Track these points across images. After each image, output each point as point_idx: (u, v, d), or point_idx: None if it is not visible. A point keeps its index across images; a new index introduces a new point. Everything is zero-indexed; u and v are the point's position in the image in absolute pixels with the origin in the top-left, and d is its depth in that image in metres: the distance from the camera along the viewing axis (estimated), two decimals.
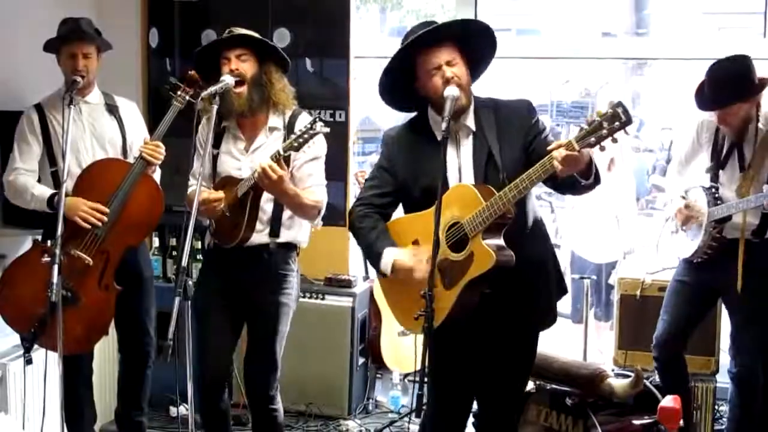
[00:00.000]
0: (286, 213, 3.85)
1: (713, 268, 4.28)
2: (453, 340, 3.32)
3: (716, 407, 4.93)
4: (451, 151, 3.31)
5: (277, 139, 3.81)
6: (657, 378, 4.48)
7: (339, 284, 5.40)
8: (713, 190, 4.26)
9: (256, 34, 3.87)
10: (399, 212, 3.57)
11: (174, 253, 5.43)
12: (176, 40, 5.78)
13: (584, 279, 5.39)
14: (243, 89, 3.75)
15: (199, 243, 4.86)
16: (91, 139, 4.22)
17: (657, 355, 4.49)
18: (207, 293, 3.81)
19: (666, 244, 4.60)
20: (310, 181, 3.83)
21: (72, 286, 3.95)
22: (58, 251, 3.58)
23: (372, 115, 8.90)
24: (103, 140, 4.24)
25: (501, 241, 3.13)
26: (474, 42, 3.35)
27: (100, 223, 3.96)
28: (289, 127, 3.80)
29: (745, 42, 5.67)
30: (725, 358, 4.67)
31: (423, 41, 3.28)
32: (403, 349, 5.43)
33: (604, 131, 2.82)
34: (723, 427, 4.80)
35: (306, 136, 3.49)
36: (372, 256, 3.41)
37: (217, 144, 3.88)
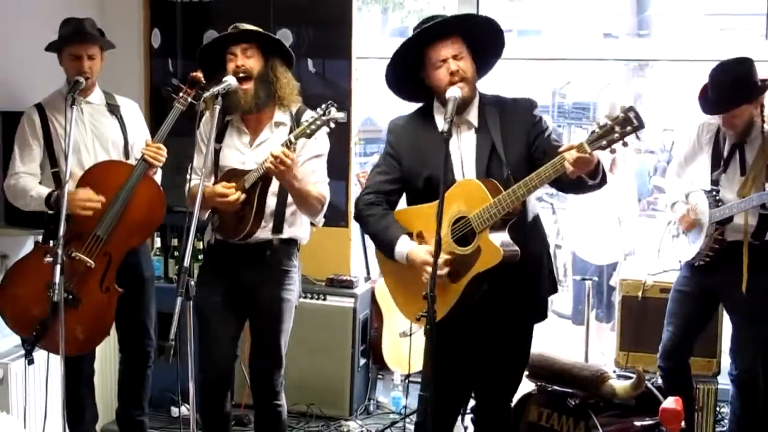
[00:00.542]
0: (289, 209, 3.86)
1: (714, 270, 4.29)
2: (450, 334, 3.33)
3: (717, 409, 4.94)
4: (454, 142, 3.35)
5: (282, 134, 3.81)
6: (658, 379, 4.48)
7: (340, 285, 5.40)
8: (714, 192, 4.26)
9: (260, 29, 3.87)
10: (401, 204, 3.64)
11: (176, 253, 5.43)
12: (178, 40, 5.78)
13: (586, 280, 5.39)
14: (249, 85, 3.77)
15: (201, 243, 4.86)
16: (92, 139, 4.22)
17: (663, 365, 4.51)
18: (208, 292, 3.81)
19: (667, 247, 4.60)
20: (314, 178, 3.83)
21: (73, 288, 3.96)
22: (60, 251, 3.58)
23: (374, 115, 8.91)
24: (104, 141, 4.24)
25: (507, 237, 3.19)
26: (481, 37, 3.40)
27: (98, 206, 3.96)
28: (296, 123, 3.79)
29: (747, 43, 5.66)
30: (727, 360, 4.67)
31: (431, 33, 3.33)
32: (404, 350, 5.43)
33: (616, 135, 2.85)
34: (724, 428, 4.80)
35: (319, 122, 3.50)
36: (384, 244, 3.47)
37: (219, 138, 3.87)
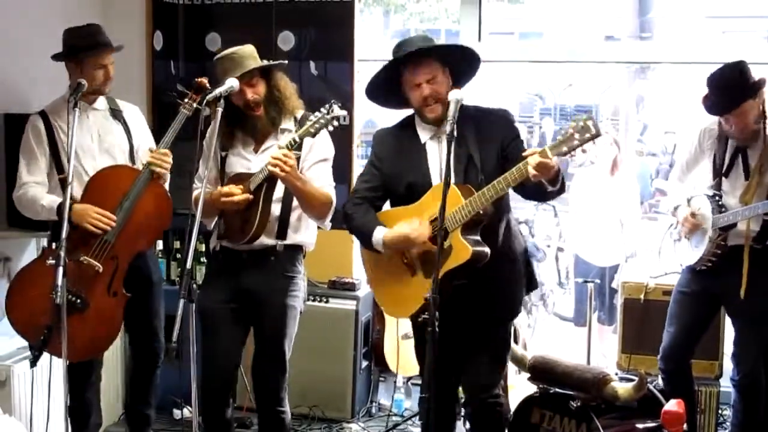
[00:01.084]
0: (294, 215, 3.87)
1: (716, 275, 4.28)
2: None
3: (719, 411, 4.94)
4: (435, 152, 3.63)
5: (286, 140, 3.81)
6: (660, 382, 4.48)
7: (343, 287, 5.41)
8: (717, 198, 4.26)
9: (260, 62, 3.88)
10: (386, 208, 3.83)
11: (178, 255, 5.44)
12: (180, 42, 5.78)
13: (588, 282, 5.39)
14: (261, 111, 3.83)
15: (203, 246, 4.87)
16: (98, 145, 4.22)
17: (663, 366, 4.50)
18: (212, 298, 3.82)
19: (668, 250, 4.60)
20: (320, 182, 3.85)
21: (81, 292, 3.96)
22: (62, 253, 3.58)
23: (376, 118, 8.91)
24: (110, 147, 4.25)
25: (478, 237, 3.46)
26: (457, 60, 3.64)
27: (109, 228, 3.97)
28: (300, 127, 3.81)
29: (748, 45, 5.67)
30: (729, 363, 4.67)
31: (406, 59, 3.58)
32: (406, 352, 5.43)
33: (576, 142, 3.10)
34: (727, 431, 4.80)
35: (323, 120, 3.55)
36: (364, 236, 3.69)
37: (224, 146, 3.88)
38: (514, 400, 4.61)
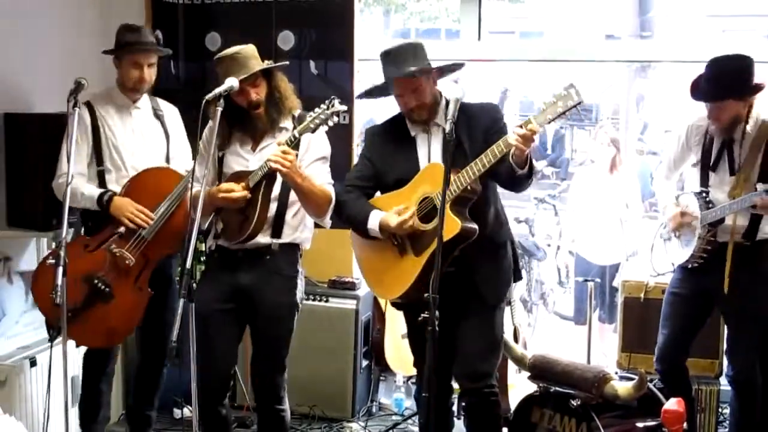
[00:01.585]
0: (290, 213, 3.87)
1: (708, 272, 4.28)
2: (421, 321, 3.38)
3: (720, 410, 4.93)
4: (424, 143, 3.79)
5: (284, 138, 3.81)
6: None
7: (343, 286, 5.41)
8: (704, 194, 4.26)
9: (262, 62, 3.88)
10: None
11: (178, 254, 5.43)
12: (180, 42, 5.77)
13: (588, 281, 5.39)
14: (261, 110, 3.83)
15: (203, 245, 4.87)
16: (140, 143, 4.32)
17: (659, 367, 4.51)
18: (209, 298, 3.81)
19: (660, 250, 4.59)
20: (320, 180, 3.84)
21: (110, 281, 4.10)
22: (62, 253, 3.59)
23: (376, 116, 8.92)
24: (149, 145, 4.35)
25: (467, 214, 3.58)
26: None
27: (145, 225, 4.12)
28: (299, 124, 3.82)
29: (749, 44, 5.66)
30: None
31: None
32: (406, 352, 5.43)
33: (559, 109, 3.26)
34: (726, 429, 4.80)
35: (323, 116, 3.58)
36: (358, 221, 3.80)
37: (221, 145, 3.88)
38: (514, 399, 4.62)
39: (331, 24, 5.51)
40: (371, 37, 5.75)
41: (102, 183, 4.24)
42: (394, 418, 5.45)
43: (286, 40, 5.52)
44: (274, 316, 3.90)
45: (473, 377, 3.83)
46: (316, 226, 4.02)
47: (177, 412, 5.24)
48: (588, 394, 4.01)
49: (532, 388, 4.30)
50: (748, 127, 4.18)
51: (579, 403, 3.97)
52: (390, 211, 3.68)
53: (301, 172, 3.69)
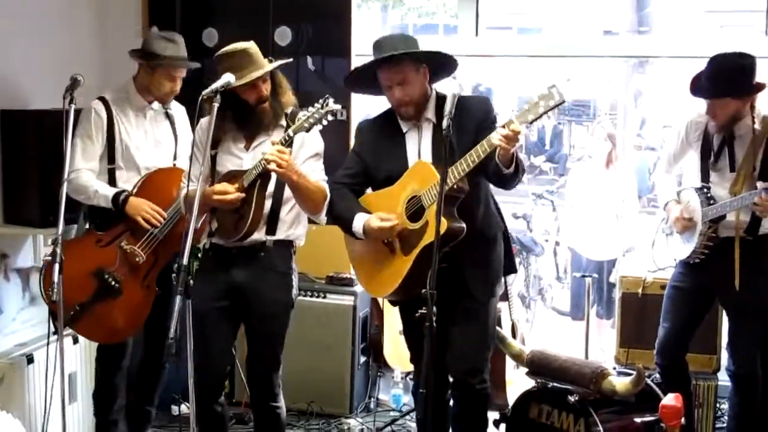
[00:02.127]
0: (284, 210, 3.86)
1: (709, 267, 4.28)
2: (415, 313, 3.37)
3: (717, 405, 4.93)
4: (414, 139, 3.78)
5: (278, 135, 3.81)
6: (658, 376, 4.48)
7: (341, 283, 5.40)
8: (705, 190, 4.25)
9: (271, 64, 3.87)
10: None
11: None
12: None
13: (586, 277, 5.39)
14: (267, 105, 3.84)
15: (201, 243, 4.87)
16: (151, 144, 4.36)
17: (659, 361, 4.50)
18: (204, 295, 3.80)
19: (661, 245, 4.59)
20: (314, 177, 3.84)
21: (120, 278, 4.15)
22: (59, 250, 3.60)
23: (373, 113, 8.90)
24: (159, 145, 4.39)
25: (454, 213, 3.56)
26: (433, 57, 3.77)
27: (159, 224, 4.17)
28: (292, 122, 3.81)
29: (747, 40, 5.66)
30: (726, 356, 4.67)
31: (378, 63, 3.71)
32: (404, 348, 5.42)
33: (541, 109, 3.25)
34: (724, 425, 4.80)
35: (317, 115, 3.60)
36: (343, 222, 3.82)
37: (214, 145, 3.87)
38: (512, 395, 4.61)
39: (329, 19, 5.50)
40: (369, 33, 5.74)
41: (112, 181, 4.26)
42: (392, 414, 5.45)
43: (284, 35, 5.51)
44: (269, 314, 3.90)
45: (466, 373, 3.85)
46: (311, 222, 4.02)
47: (174, 409, 5.24)
48: (586, 390, 4.01)
49: (530, 383, 4.30)
50: (756, 125, 4.17)
51: (577, 398, 3.97)
52: (374, 215, 3.70)
53: (297, 170, 3.68)
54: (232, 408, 4.90)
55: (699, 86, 4.20)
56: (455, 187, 3.51)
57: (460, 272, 3.71)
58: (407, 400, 5.49)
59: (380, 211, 3.73)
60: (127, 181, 4.27)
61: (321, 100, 3.61)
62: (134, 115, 4.32)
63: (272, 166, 3.57)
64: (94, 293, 4.12)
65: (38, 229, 4.55)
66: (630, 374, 4.02)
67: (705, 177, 4.30)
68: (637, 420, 4.00)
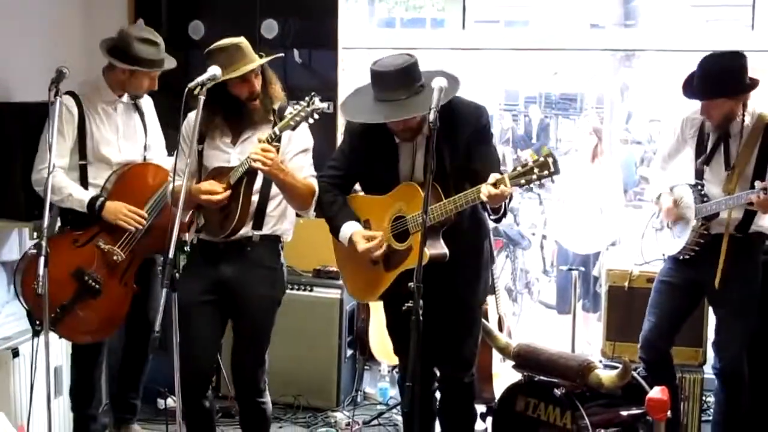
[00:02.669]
0: (271, 205, 3.85)
1: (699, 263, 4.28)
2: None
3: (703, 398, 4.95)
4: (406, 154, 3.69)
5: (266, 130, 3.81)
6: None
7: (327, 276, 5.39)
8: (699, 187, 4.25)
9: (262, 59, 3.85)
10: None
11: None
12: (163, 31, 5.73)
13: (572, 270, 5.39)
14: (257, 102, 3.83)
15: (186, 236, 4.85)
16: (122, 138, 4.33)
17: (643, 355, 4.50)
18: (191, 289, 3.79)
19: (651, 239, 4.60)
20: (303, 173, 3.84)
21: (99, 278, 4.14)
22: (44, 243, 3.58)
23: None
24: (131, 138, 4.37)
25: (438, 241, 3.56)
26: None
27: (140, 226, 4.17)
28: (280, 118, 3.80)
29: (733, 34, 5.67)
30: (712, 354, 4.68)
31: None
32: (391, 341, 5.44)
33: (534, 176, 3.23)
34: (710, 418, 4.82)
35: (303, 113, 3.58)
36: (332, 227, 3.81)
37: (201, 140, 3.85)
38: (498, 388, 4.62)
39: (315, 12, 5.49)
40: (356, 26, 5.74)
41: (83, 176, 4.23)
42: (378, 407, 5.45)
43: (270, 28, 5.49)
44: (255, 309, 3.89)
45: (458, 369, 3.88)
46: (298, 216, 4.02)
47: (161, 403, 5.22)
48: (572, 383, 4.01)
49: (516, 377, 4.30)
50: (746, 122, 4.17)
51: (563, 391, 3.97)
52: (359, 233, 3.69)
53: (283, 167, 3.67)
54: (219, 401, 4.89)
55: (691, 87, 4.18)
56: (439, 222, 3.50)
57: (450, 280, 3.66)
58: (394, 393, 5.49)
59: (368, 217, 3.76)
60: (98, 176, 4.24)
61: (307, 98, 3.59)
62: (104, 109, 4.28)
63: (257, 165, 3.56)
64: (75, 294, 4.11)
65: (24, 222, 4.52)
66: (616, 367, 4.02)
67: (699, 174, 4.30)
68: (624, 413, 4.01)
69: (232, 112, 3.82)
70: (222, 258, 3.85)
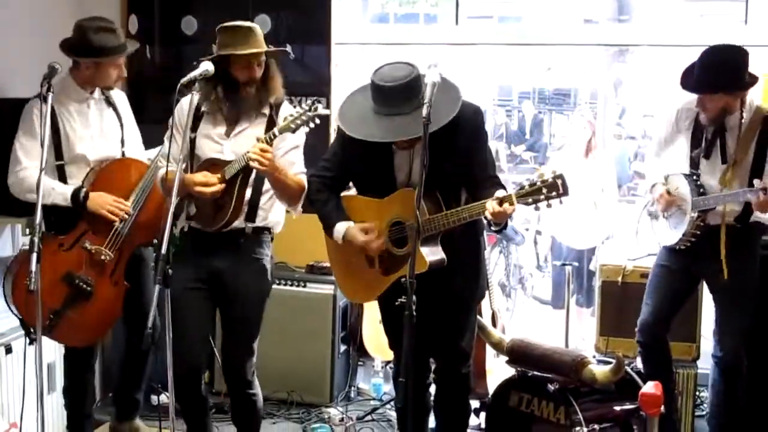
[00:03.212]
0: (263, 198, 3.86)
1: (697, 254, 4.28)
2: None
3: (697, 393, 4.95)
4: (402, 160, 3.64)
5: (260, 125, 3.83)
6: (638, 364, 4.49)
7: (321, 272, 5.38)
8: (694, 177, 4.25)
9: (266, 47, 3.85)
10: None
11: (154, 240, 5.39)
12: (156, 27, 5.73)
13: (566, 266, 5.39)
14: (252, 89, 3.81)
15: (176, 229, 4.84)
16: (98, 135, 4.28)
17: (641, 339, 4.49)
18: (181, 280, 3.77)
19: (646, 229, 4.60)
20: (294, 169, 3.86)
21: (90, 280, 4.11)
22: (36, 239, 3.55)
23: None
24: (106, 134, 4.31)
25: (436, 247, 3.54)
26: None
27: (126, 216, 4.13)
28: (276, 113, 3.85)
29: (726, 29, 5.67)
30: (706, 345, 4.68)
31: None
32: (385, 337, 5.42)
33: (542, 196, 3.20)
34: (704, 412, 4.82)
35: (305, 117, 3.58)
36: (326, 225, 3.79)
37: (193, 127, 3.85)
38: (492, 384, 4.62)
39: (308, 8, 5.48)
40: (349, 21, 5.73)
41: (62, 177, 4.18)
42: (372, 403, 5.45)
43: (263, 23, 5.47)
44: (246, 300, 3.91)
45: (456, 362, 3.88)
46: (286, 211, 4.03)
47: (154, 399, 5.21)
48: (566, 378, 4.02)
49: (510, 372, 4.31)
50: (744, 115, 4.16)
51: (557, 387, 3.98)
52: (357, 226, 3.66)
53: (278, 166, 3.69)
54: (212, 397, 4.88)
55: (690, 80, 4.16)
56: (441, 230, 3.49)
57: (448, 279, 3.64)
58: (387, 389, 5.49)
59: (363, 219, 3.71)
60: (77, 176, 4.19)
61: (310, 103, 3.59)
62: (76, 108, 4.22)
63: (255, 165, 3.58)
64: (67, 299, 4.08)
65: (17, 218, 4.51)
66: (610, 362, 4.03)
67: (694, 165, 4.29)
68: (617, 408, 4.01)
69: (229, 92, 3.80)
70: (214, 248, 3.86)
